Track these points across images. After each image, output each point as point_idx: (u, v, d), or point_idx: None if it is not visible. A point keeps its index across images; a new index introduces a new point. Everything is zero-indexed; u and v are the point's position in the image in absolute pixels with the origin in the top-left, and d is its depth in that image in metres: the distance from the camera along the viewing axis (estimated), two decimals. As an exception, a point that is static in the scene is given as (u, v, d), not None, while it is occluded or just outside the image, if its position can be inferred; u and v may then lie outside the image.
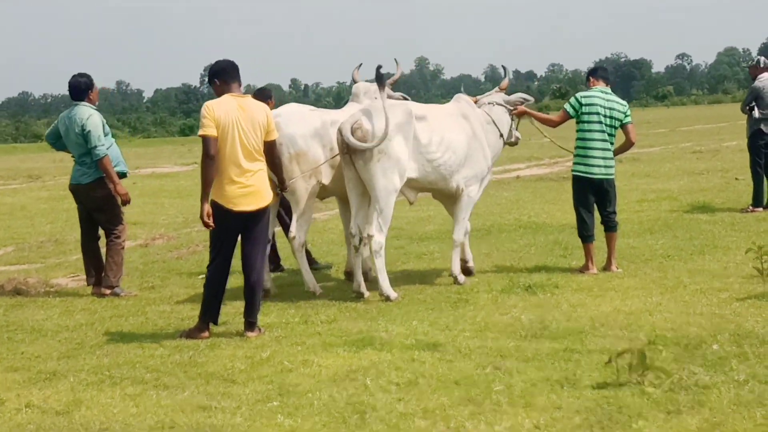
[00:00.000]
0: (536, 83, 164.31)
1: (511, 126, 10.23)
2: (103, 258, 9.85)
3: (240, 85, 7.52)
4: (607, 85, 10.14)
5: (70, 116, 9.75)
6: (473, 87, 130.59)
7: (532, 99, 10.42)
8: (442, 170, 9.30)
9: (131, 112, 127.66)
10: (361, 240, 9.11)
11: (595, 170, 9.81)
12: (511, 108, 10.17)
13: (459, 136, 9.45)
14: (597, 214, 10.05)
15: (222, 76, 7.49)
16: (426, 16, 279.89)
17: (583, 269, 9.93)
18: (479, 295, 8.87)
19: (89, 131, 9.51)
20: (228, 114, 7.28)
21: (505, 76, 10.35)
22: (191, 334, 7.55)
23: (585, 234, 10.00)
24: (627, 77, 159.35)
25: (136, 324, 8.28)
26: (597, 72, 10.30)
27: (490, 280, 9.65)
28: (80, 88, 9.79)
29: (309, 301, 8.98)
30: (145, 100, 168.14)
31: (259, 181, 7.41)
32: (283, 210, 10.50)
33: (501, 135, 10.03)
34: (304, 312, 8.39)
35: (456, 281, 9.61)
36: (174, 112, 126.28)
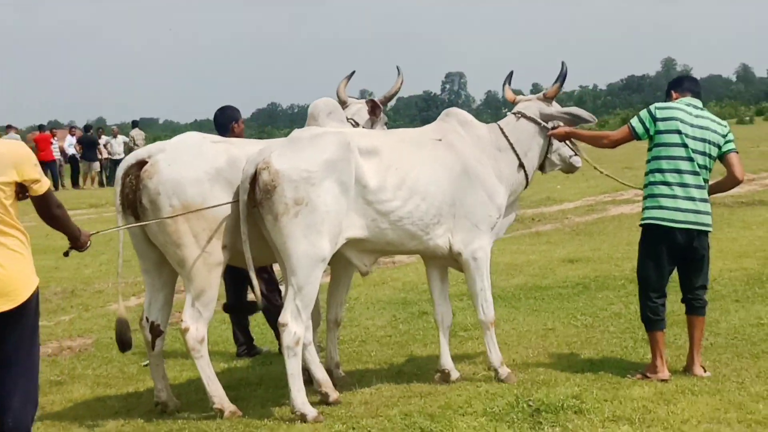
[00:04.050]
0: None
1: (547, 150, 7.10)
2: None
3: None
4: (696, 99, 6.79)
5: None
6: (723, 88, 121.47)
7: (592, 119, 7.17)
8: (407, 226, 6.37)
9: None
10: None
11: (679, 216, 6.50)
12: (549, 126, 7.03)
13: (433, 173, 6.52)
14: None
15: None
16: (672, 14, 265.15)
17: (649, 371, 6.65)
18: (458, 422, 5.81)
19: None
20: None
21: (558, 79, 7.16)
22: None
23: (652, 317, 6.72)
24: None
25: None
26: (683, 84, 6.94)
27: (500, 389, 6.49)
28: None
29: (201, 424, 6.14)
30: (387, 108, 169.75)
31: (7, 264, 4.72)
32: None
33: (520, 164, 6.93)
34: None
35: (497, 376, 6.75)
36: (414, 120, 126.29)
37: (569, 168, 7.34)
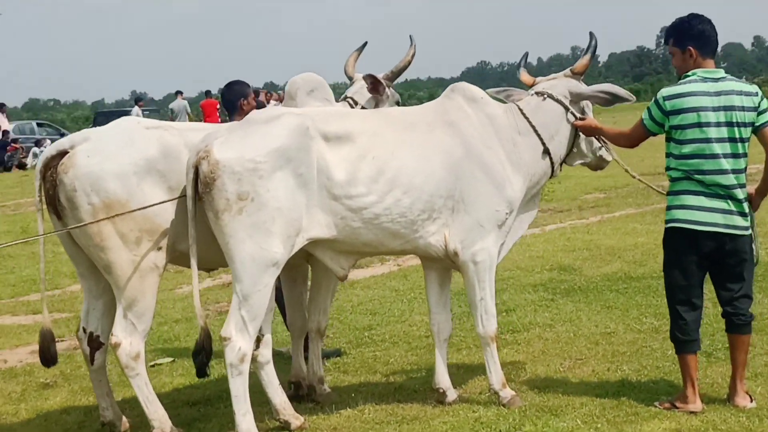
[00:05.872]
0: None
1: (575, 138, 5.99)
2: None
3: None
4: (714, 65, 5.45)
5: None
6: None
7: (630, 98, 5.98)
8: (386, 224, 5.45)
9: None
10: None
11: (705, 217, 5.29)
12: (574, 113, 5.92)
13: (423, 161, 5.55)
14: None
15: None
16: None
17: (678, 401, 5.48)
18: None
19: None
20: None
21: (586, 51, 6.04)
22: None
23: (680, 337, 5.52)
24: None
25: None
26: (688, 36, 5.41)
27: (494, 416, 5.50)
28: None
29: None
30: (600, 65, 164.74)
31: None
32: None
33: (545, 150, 5.85)
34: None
35: (499, 399, 5.75)
36: (626, 76, 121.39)
37: (598, 163, 6.19)
